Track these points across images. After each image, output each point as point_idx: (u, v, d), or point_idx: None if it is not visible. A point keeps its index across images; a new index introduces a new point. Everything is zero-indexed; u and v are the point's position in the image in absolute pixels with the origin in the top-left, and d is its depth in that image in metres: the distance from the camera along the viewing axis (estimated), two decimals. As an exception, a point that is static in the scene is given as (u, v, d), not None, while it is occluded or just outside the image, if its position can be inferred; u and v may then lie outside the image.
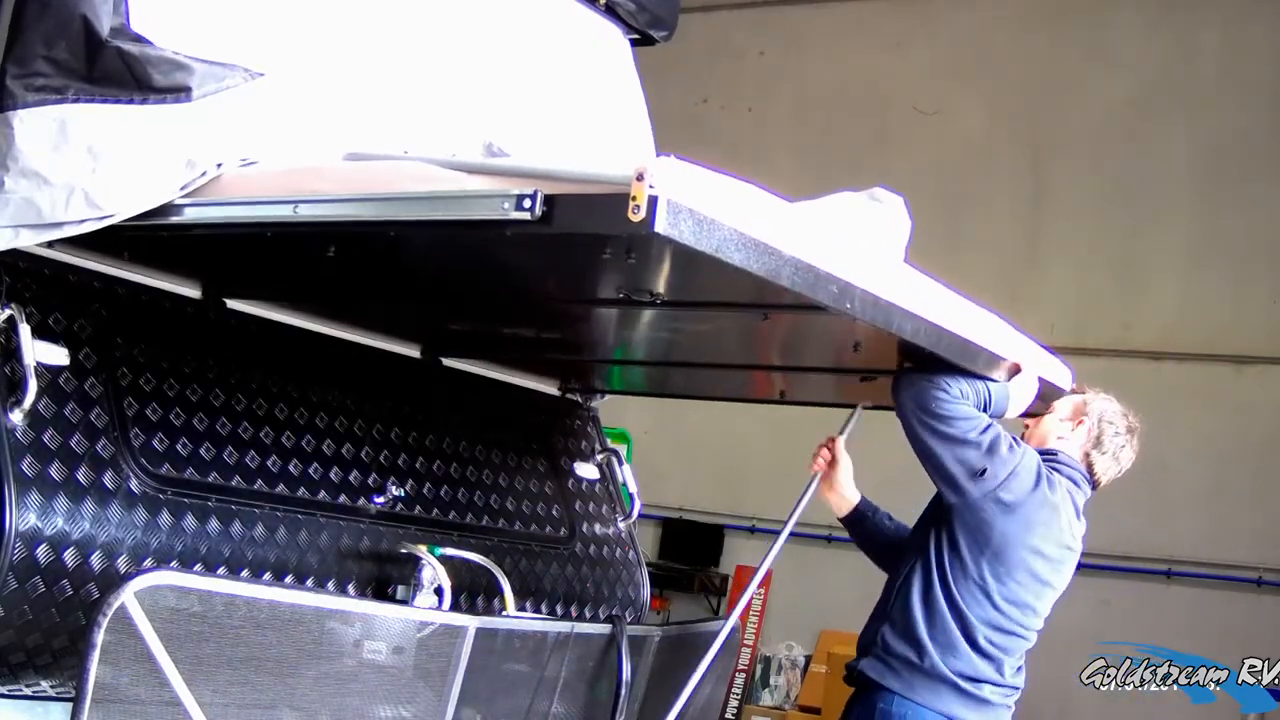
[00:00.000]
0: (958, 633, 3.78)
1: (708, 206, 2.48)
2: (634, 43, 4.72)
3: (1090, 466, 4.04)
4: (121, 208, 2.85)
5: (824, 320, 3.12)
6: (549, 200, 2.47)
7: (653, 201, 2.36)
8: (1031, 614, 3.88)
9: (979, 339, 3.65)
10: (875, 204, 3.60)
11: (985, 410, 3.79)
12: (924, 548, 3.86)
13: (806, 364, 4.35)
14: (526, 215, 2.47)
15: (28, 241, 2.88)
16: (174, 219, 2.91)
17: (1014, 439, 3.85)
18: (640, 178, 2.36)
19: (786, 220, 2.79)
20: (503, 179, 2.57)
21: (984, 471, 3.72)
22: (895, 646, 3.80)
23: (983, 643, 3.79)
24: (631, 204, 2.35)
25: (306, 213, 2.76)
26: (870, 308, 3.04)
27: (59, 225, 2.85)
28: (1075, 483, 3.97)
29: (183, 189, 2.88)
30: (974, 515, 3.77)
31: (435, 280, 3.46)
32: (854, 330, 3.23)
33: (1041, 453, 3.97)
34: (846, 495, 4.25)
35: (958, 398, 3.70)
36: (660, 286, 3.04)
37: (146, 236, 3.01)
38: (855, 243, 3.21)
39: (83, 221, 2.85)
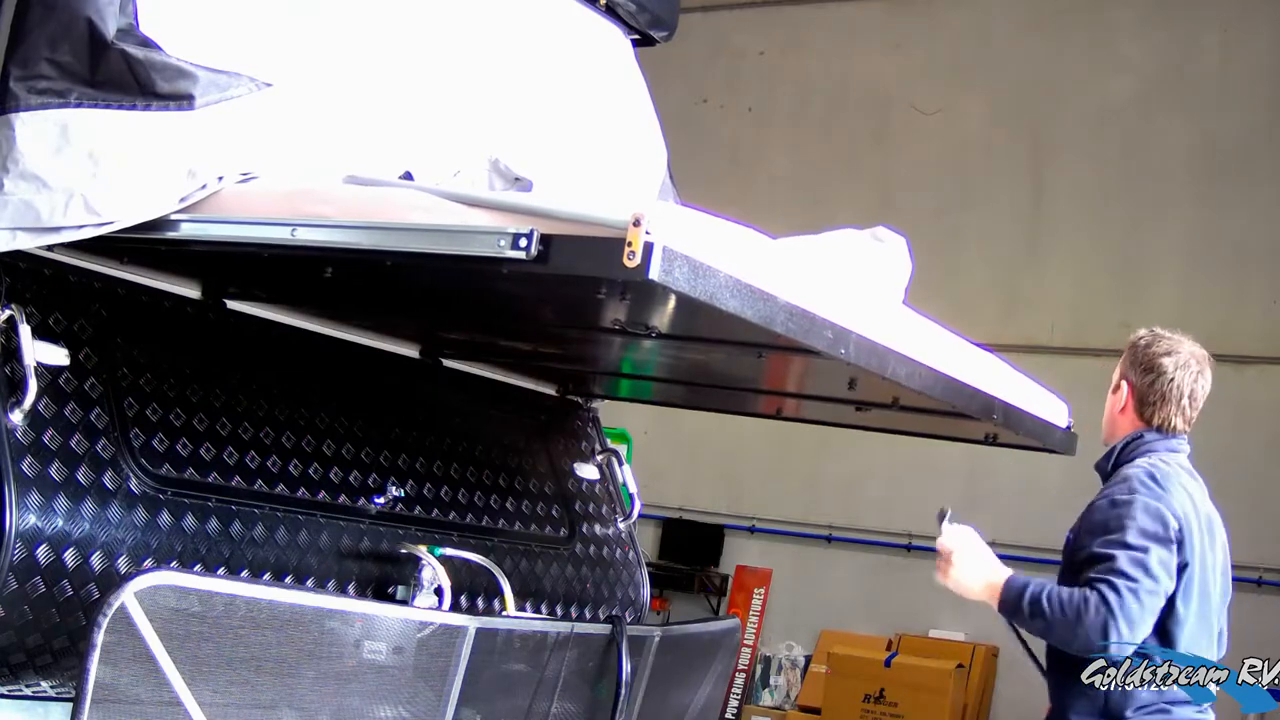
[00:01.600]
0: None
1: (704, 252, 2.49)
2: (634, 43, 4.71)
3: (1159, 425, 3.82)
4: (120, 215, 2.83)
5: (820, 360, 3.13)
6: (545, 240, 2.48)
7: (648, 248, 2.36)
8: (1215, 608, 3.86)
9: (975, 382, 3.64)
10: (877, 244, 3.60)
11: (1042, 600, 3.57)
12: None
13: (804, 392, 4.38)
14: (522, 255, 2.48)
15: (25, 245, 2.86)
16: (170, 234, 2.90)
17: (1112, 515, 3.64)
18: (637, 223, 2.37)
19: (783, 265, 2.80)
20: (500, 214, 2.58)
21: (1145, 567, 3.55)
22: None
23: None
24: (627, 249, 2.36)
25: (304, 237, 2.76)
26: (865, 353, 3.04)
27: (57, 230, 2.83)
28: (1170, 450, 3.81)
29: (182, 200, 2.86)
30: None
31: (433, 299, 3.48)
32: (850, 369, 3.24)
33: (1125, 443, 3.84)
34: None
35: (1051, 617, 3.57)
36: (656, 321, 3.06)
37: (145, 249, 3.01)
38: (853, 285, 3.21)
39: (81, 227, 2.83)
